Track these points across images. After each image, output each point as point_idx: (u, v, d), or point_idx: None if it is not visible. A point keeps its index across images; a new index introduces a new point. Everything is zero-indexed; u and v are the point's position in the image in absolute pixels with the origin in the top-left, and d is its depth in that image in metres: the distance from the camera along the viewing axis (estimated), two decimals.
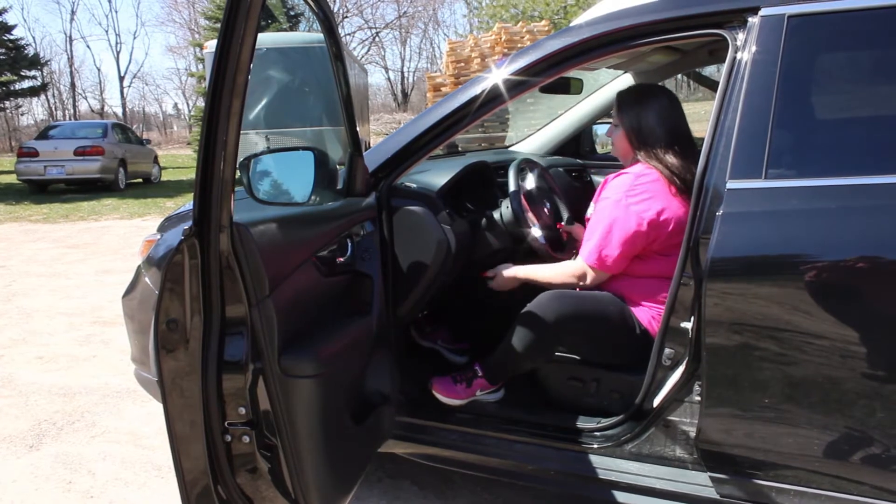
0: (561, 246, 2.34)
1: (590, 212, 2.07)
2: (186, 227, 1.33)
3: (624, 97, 2.04)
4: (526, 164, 2.40)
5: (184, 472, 1.43)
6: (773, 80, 1.57)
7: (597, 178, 3.37)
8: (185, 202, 1.46)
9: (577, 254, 2.01)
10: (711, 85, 3.20)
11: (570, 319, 1.89)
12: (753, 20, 1.62)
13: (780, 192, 1.54)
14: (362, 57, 38.60)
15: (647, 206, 1.86)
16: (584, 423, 1.91)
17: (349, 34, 39.74)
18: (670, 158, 1.89)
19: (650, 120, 1.96)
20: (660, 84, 2.88)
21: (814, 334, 1.50)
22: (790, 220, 1.53)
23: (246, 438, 1.45)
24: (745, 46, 1.62)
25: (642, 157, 1.95)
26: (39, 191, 13.52)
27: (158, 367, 1.39)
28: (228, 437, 1.44)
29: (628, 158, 2.03)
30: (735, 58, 1.64)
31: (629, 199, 1.87)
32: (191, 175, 16.85)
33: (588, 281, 1.95)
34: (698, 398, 1.66)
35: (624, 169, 1.99)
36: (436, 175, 2.22)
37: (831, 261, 1.49)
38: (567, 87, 2.67)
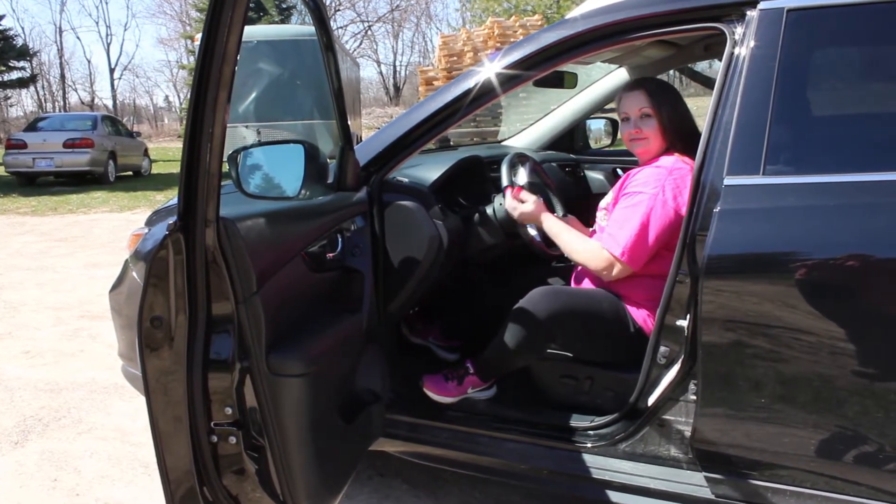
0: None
1: (603, 204, 2.04)
2: (171, 222, 1.30)
3: (656, 88, 1.95)
4: (519, 159, 2.37)
5: (168, 474, 1.40)
6: (771, 75, 1.54)
7: (590, 174, 3.35)
8: (175, 195, 1.45)
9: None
10: (705, 81, 3.18)
11: (563, 316, 1.86)
12: (752, 14, 1.59)
13: (779, 188, 1.52)
14: (354, 50, 38.50)
15: (682, 200, 1.81)
16: (577, 421, 1.89)
17: (341, 28, 39.68)
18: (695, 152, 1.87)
19: (685, 112, 1.96)
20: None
21: (812, 333, 1.48)
22: (788, 217, 1.51)
23: (232, 439, 1.42)
24: (743, 41, 1.59)
25: (678, 149, 1.92)
26: (28, 183, 13.39)
27: (142, 366, 1.36)
28: (214, 438, 1.41)
29: (654, 151, 1.95)
30: (733, 52, 1.61)
31: (666, 193, 1.82)
32: None
33: (614, 274, 1.86)
34: (694, 397, 1.64)
35: (642, 163, 1.96)
36: (428, 170, 2.19)
37: (830, 258, 1.47)
38: (561, 82, 2.65)
